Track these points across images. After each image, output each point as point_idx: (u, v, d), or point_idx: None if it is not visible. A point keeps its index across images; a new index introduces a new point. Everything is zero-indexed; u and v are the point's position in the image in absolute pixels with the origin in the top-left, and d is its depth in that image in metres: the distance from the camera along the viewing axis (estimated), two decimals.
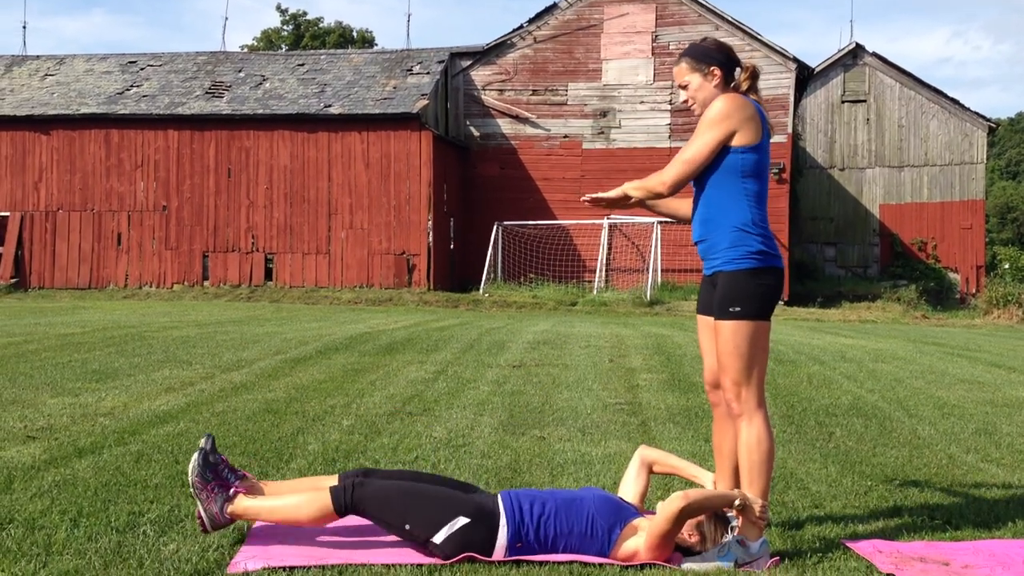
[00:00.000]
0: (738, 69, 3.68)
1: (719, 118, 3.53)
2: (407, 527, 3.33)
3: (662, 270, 23.32)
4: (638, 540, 3.37)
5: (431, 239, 22.61)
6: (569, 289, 22.51)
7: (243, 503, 3.42)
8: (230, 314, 16.44)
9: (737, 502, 3.41)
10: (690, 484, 3.90)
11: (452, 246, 24.18)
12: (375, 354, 9.66)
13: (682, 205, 3.89)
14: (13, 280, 23.55)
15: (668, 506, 3.29)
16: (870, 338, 13.96)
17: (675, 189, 3.61)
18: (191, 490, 3.45)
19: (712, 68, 3.64)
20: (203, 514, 3.40)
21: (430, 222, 22.58)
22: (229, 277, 23.29)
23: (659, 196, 3.69)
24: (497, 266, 23.97)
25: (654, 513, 3.44)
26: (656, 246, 23.02)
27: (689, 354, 10.10)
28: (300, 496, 3.43)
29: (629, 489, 3.78)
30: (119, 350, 9.55)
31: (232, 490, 3.42)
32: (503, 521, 3.35)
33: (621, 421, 6.06)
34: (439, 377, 7.96)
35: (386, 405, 6.47)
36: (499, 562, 3.30)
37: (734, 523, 3.45)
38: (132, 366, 8.28)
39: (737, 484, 3.68)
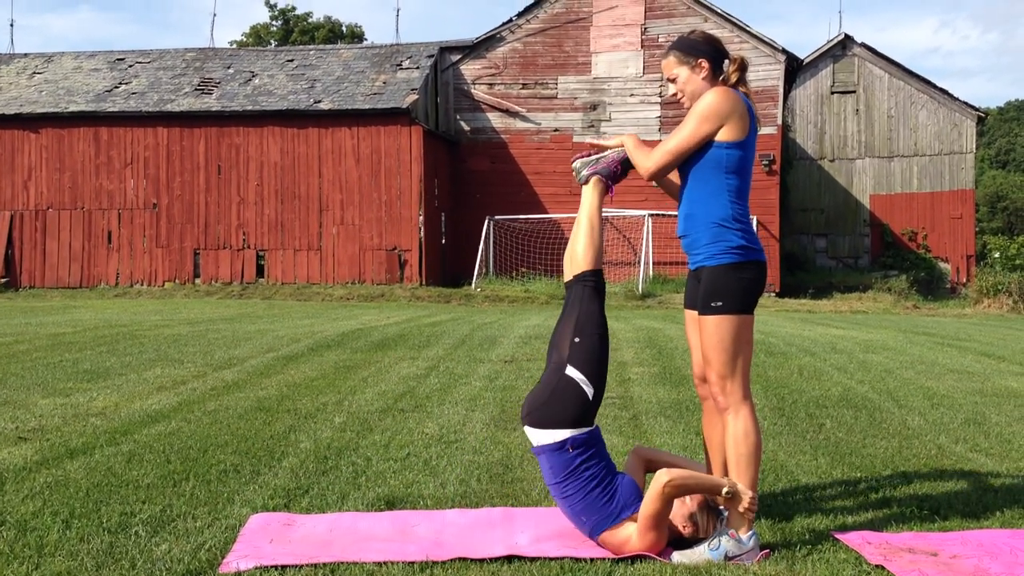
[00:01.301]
0: (726, 61, 3.68)
1: (708, 112, 3.54)
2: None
3: (653, 263, 23.35)
4: (633, 527, 3.39)
5: (422, 234, 22.60)
6: (561, 283, 22.51)
7: None
8: (222, 312, 16.42)
9: (726, 490, 3.42)
10: None
11: (443, 241, 24.18)
12: (367, 351, 9.67)
13: (674, 181, 3.93)
14: (3, 280, 23.47)
15: (654, 484, 3.34)
16: (861, 329, 14.01)
17: (655, 177, 3.70)
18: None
19: (700, 61, 3.65)
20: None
21: (421, 217, 22.57)
22: (220, 274, 23.25)
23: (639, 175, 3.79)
24: (489, 261, 23.98)
25: None
26: (647, 239, 23.05)
27: (680, 347, 10.13)
28: None
29: None
30: (110, 349, 9.54)
31: None
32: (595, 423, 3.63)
33: (612, 415, 6.08)
34: (431, 373, 7.98)
35: (378, 402, 6.48)
36: (490, 559, 3.32)
37: (724, 515, 3.47)
38: (123, 365, 8.27)
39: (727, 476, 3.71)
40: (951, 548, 3.47)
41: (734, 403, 3.57)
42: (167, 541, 3.44)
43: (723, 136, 3.55)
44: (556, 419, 3.53)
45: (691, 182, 3.63)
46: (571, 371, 3.56)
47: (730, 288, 3.54)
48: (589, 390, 3.54)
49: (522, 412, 3.67)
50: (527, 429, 3.62)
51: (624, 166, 3.81)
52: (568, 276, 3.76)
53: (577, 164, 3.83)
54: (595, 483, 3.48)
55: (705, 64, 3.64)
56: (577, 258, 3.74)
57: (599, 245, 3.75)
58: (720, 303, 3.54)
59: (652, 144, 3.77)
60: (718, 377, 3.57)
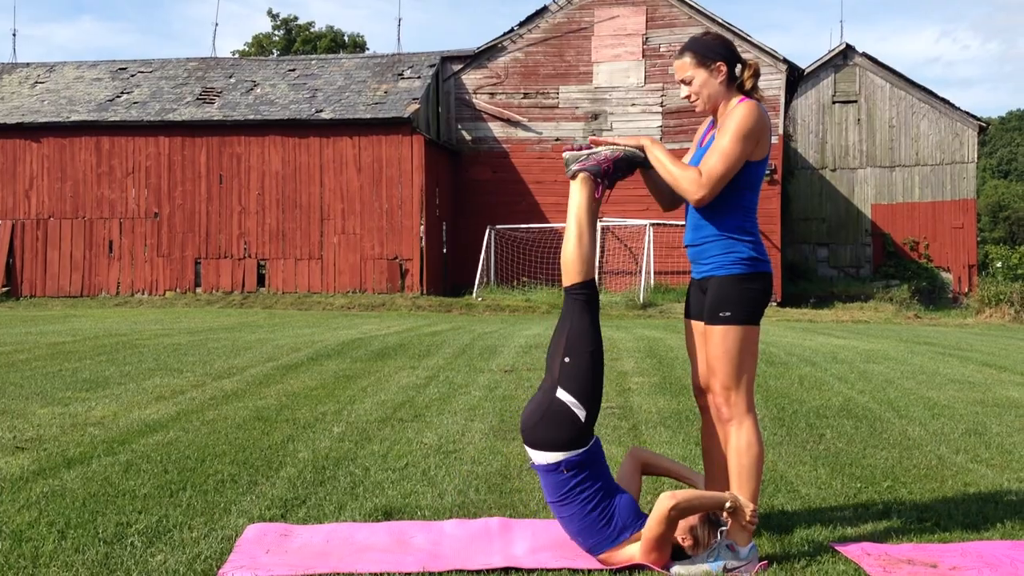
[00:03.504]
0: (739, 65, 3.61)
1: (748, 131, 3.45)
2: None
3: (655, 272, 23.33)
4: (636, 547, 3.37)
5: (423, 244, 22.60)
6: (562, 293, 22.50)
7: None
8: (222, 321, 16.41)
9: (728, 504, 3.40)
10: (681, 486, 3.90)
11: (445, 250, 24.18)
12: (367, 360, 9.65)
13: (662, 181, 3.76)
14: (4, 289, 23.48)
15: (657, 508, 3.29)
16: (862, 339, 13.98)
17: (704, 203, 3.51)
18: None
19: (719, 64, 3.56)
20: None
21: (422, 227, 22.58)
22: (221, 284, 23.25)
23: (683, 200, 3.62)
24: (490, 270, 23.97)
25: None
26: (649, 248, 23.04)
27: (681, 357, 10.11)
28: None
29: None
30: (110, 358, 9.53)
31: None
32: (592, 442, 3.52)
33: (612, 425, 6.06)
34: (431, 383, 7.96)
35: (377, 412, 6.47)
36: (488, 570, 3.30)
37: (723, 527, 3.45)
38: (123, 375, 8.26)
39: (727, 487, 3.68)
40: (951, 560, 3.45)
41: (738, 414, 3.54)
42: (163, 552, 3.43)
43: (751, 155, 3.51)
44: (549, 441, 3.46)
45: None
46: (562, 394, 3.47)
47: (738, 298, 3.52)
48: (581, 412, 3.46)
49: (520, 427, 3.61)
50: (525, 446, 3.58)
51: (618, 166, 3.62)
52: (564, 281, 3.65)
53: (567, 155, 3.66)
54: (591, 505, 3.42)
55: (723, 67, 3.56)
56: (567, 267, 3.61)
57: (588, 252, 3.58)
58: (728, 313, 3.51)
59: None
60: (723, 388, 3.54)
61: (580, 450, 3.45)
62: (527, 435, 3.51)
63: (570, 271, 3.59)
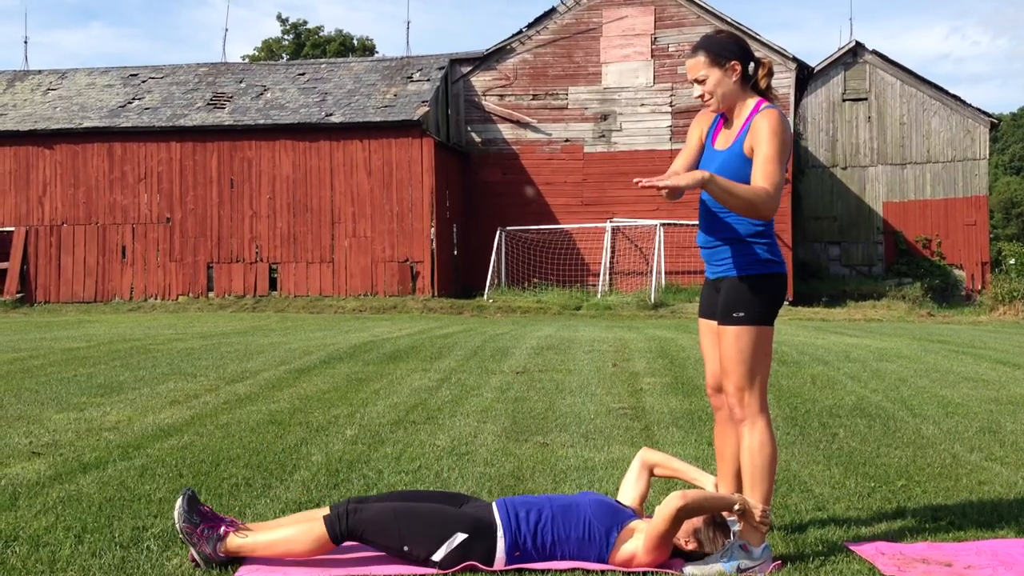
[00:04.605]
0: (752, 64, 3.59)
1: (786, 137, 3.46)
2: (405, 548, 3.33)
3: (666, 272, 23.32)
4: (636, 542, 3.36)
5: (434, 246, 22.64)
6: (573, 293, 22.53)
7: (235, 541, 3.35)
8: (235, 325, 16.47)
9: (737, 507, 3.40)
10: (691, 487, 3.89)
11: (455, 252, 24.21)
12: (379, 363, 9.68)
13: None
14: (19, 295, 23.61)
15: (665, 506, 3.29)
16: (875, 337, 13.94)
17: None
18: (180, 536, 3.38)
19: (733, 63, 3.54)
20: (196, 556, 3.33)
21: (433, 229, 22.61)
22: (234, 288, 23.34)
23: (755, 218, 3.48)
24: (501, 271, 23.99)
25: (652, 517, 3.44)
26: (659, 248, 23.02)
27: (692, 357, 10.10)
28: (294, 527, 3.38)
29: (629, 492, 3.77)
30: (124, 364, 9.57)
31: (223, 528, 3.36)
32: (500, 532, 3.36)
33: (624, 426, 6.07)
34: (443, 385, 7.97)
35: (390, 414, 6.48)
36: (500, 571, 3.31)
37: (736, 527, 3.45)
38: (137, 379, 8.30)
39: (739, 488, 3.68)
40: (966, 558, 3.45)
41: (751, 415, 3.54)
42: (179, 555, 3.44)
43: None
44: (484, 562, 3.33)
45: None
46: (434, 556, 3.34)
47: (752, 299, 3.51)
48: (446, 549, 3.32)
49: None
50: None
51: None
52: None
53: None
54: (563, 536, 3.36)
55: (738, 66, 3.54)
56: None
57: None
58: (742, 313, 3.50)
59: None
60: (736, 388, 3.53)
61: (501, 537, 3.34)
62: None
63: None
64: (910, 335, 14.60)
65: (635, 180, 3.42)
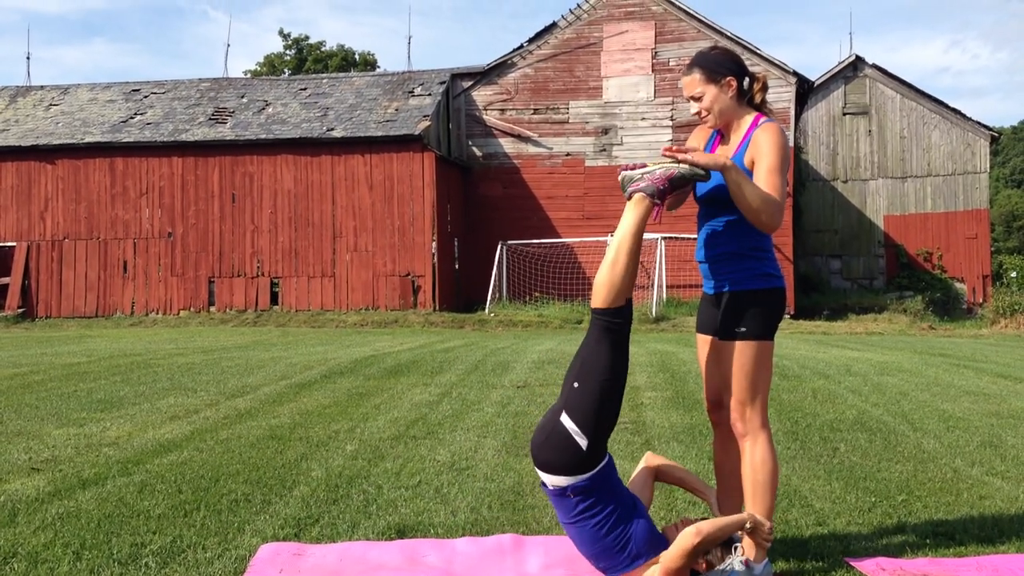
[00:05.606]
0: (747, 79, 3.61)
1: (786, 151, 3.46)
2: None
3: (667, 286, 23.32)
4: (654, 572, 3.34)
5: (436, 260, 22.65)
6: (574, 307, 22.52)
7: None
8: (236, 339, 16.47)
9: (748, 525, 3.39)
10: (693, 499, 3.88)
11: (457, 266, 24.22)
12: (380, 377, 9.67)
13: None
14: (20, 310, 23.62)
15: (683, 542, 3.25)
16: (876, 350, 13.92)
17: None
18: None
19: (728, 79, 3.55)
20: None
21: (434, 243, 22.63)
22: (235, 302, 23.34)
23: (758, 225, 3.43)
24: (502, 286, 24.00)
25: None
26: (660, 262, 23.03)
27: (693, 371, 10.09)
28: None
29: None
30: (124, 379, 9.57)
31: None
32: (597, 468, 3.35)
33: (625, 440, 6.05)
34: (443, 399, 7.96)
35: (390, 429, 6.48)
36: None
37: (738, 543, 3.44)
38: (137, 395, 8.30)
39: (739, 502, 3.67)
40: (966, 574, 3.43)
41: (752, 429, 3.53)
42: (177, 572, 3.44)
43: None
44: (553, 465, 3.34)
45: (719, 209, 3.54)
46: (565, 419, 3.32)
47: (753, 314, 3.50)
48: (583, 441, 3.29)
49: (530, 445, 3.52)
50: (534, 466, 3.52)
51: (674, 184, 3.40)
52: (592, 301, 3.45)
53: (622, 176, 3.47)
54: (604, 530, 3.34)
55: (733, 82, 3.55)
56: (596, 288, 3.38)
57: (621, 277, 3.33)
58: (743, 329, 3.50)
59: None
60: (738, 403, 3.52)
61: (585, 475, 3.32)
62: (535, 455, 3.43)
63: (597, 293, 3.37)
64: (911, 348, 14.58)
65: (663, 150, 3.43)
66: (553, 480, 3.36)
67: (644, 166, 3.44)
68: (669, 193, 3.42)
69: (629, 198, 3.44)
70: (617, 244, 3.37)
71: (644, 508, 3.49)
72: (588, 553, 3.38)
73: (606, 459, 3.41)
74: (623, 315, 3.36)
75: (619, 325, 3.36)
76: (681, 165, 3.38)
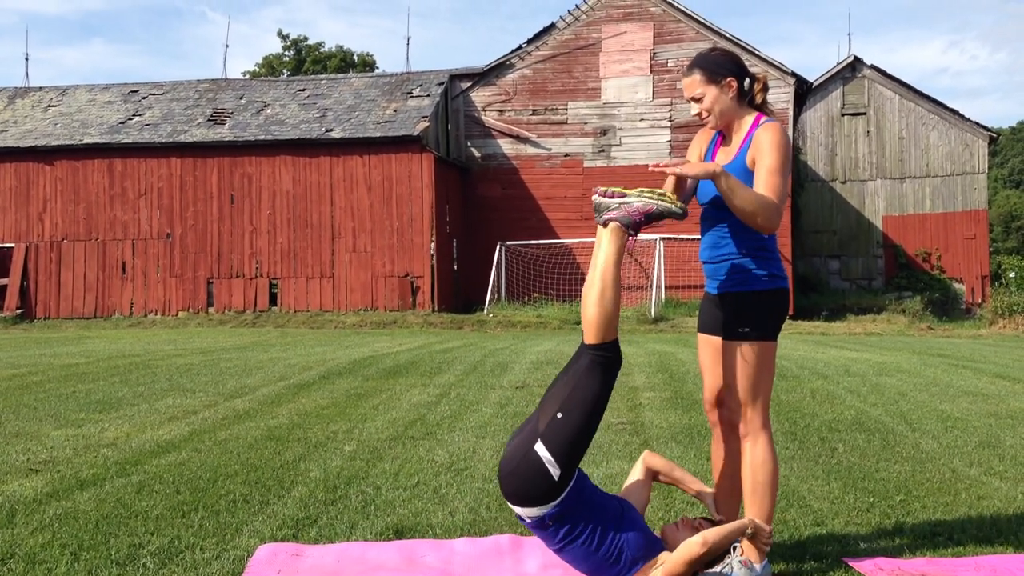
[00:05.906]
0: (747, 79, 3.60)
1: (788, 150, 3.46)
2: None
3: (666, 287, 23.32)
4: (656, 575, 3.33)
5: (434, 261, 22.65)
6: (573, 307, 22.51)
7: None
8: (235, 340, 16.46)
9: (749, 531, 3.39)
10: (692, 499, 3.87)
11: (455, 267, 24.22)
12: (378, 378, 9.67)
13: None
14: (19, 311, 23.61)
15: (688, 551, 3.25)
16: (875, 351, 13.93)
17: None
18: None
19: (729, 80, 3.54)
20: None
21: (433, 244, 22.63)
22: (234, 303, 23.34)
23: (755, 227, 3.42)
24: (501, 286, 24.00)
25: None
26: (659, 263, 23.03)
27: (692, 371, 10.09)
28: None
29: (633, 500, 3.73)
30: (123, 379, 9.57)
31: None
32: (565, 492, 3.25)
33: (623, 441, 6.05)
34: (442, 400, 7.96)
35: (388, 430, 6.47)
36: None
37: (736, 544, 3.44)
38: (136, 395, 8.29)
39: (738, 503, 3.67)
40: (965, 574, 3.44)
41: (753, 430, 3.53)
42: (175, 573, 3.44)
43: None
44: (520, 496, 3.24)
45: (723, 210, 3.52)
46: (540, 448, 3.21)
47: (757, 314, 3.50)
48: (555, 471, 3.20)
49: (498, 473, 3.35)
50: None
51: (649, 219, 3.34)
52: (584, 336, 3.36)
53: (596, 201, 3.38)
54: (594, 546, 3.27)
55: (734, 83, 3.54)
56: (587, 324, 3.30)
57: (611, 309, 3.27)
58: (747, 329, 3.49)
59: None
60: (739, 404, 3.52)
61: (555, 502, 3.23)
62: (503, 484, 3.30)
63: (592, 330, 3.29)
64: (910, 349, 14.59)
65: (650, 165, 3.39)
66: (527, 512, 3.27)
67: (621, 195, 3.35)
68: (643, 227, 3.36)
69: (604, 225, 3.37)
70: (601, 276, 3.29)
71: (634, 511, 3.45)
72: (586, 570, 3.34)
73: (574, 479, 3.30)
74: (616, 348, 3.31)
75: (612, 359, 3.30)
76: (660, 201, 3.32)
